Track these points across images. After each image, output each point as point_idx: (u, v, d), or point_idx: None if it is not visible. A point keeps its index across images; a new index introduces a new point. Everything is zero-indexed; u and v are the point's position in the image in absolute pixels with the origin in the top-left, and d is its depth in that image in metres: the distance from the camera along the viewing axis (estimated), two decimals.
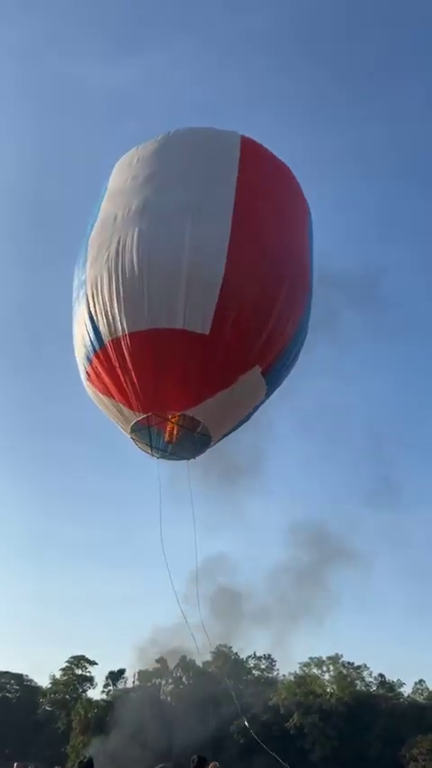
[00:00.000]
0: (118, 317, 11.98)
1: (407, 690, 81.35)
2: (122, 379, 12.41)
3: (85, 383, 13.58)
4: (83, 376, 13.60)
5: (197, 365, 11.99)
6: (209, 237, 11.90)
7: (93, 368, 12.87)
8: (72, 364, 13.77)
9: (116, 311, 11.96)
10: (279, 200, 13.57)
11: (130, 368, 12.17)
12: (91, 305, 12.36)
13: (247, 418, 13.95)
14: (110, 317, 12.09)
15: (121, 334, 12.01)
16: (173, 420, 12.65)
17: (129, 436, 13.38)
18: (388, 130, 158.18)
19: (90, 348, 12.67)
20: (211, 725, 61.02)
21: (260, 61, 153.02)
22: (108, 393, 12.93)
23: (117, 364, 12.28)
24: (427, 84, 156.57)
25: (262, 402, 13.63)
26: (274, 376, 13.13)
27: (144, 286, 11.74)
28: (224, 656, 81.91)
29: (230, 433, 14.02)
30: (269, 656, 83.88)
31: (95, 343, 12.47)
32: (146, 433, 12.88)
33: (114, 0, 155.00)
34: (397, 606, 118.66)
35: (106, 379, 12.70)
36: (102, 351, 12.41)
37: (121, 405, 12.81)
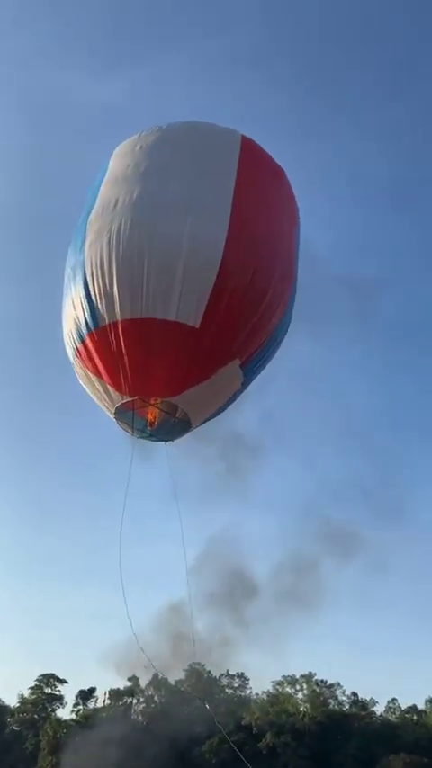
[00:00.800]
0: (117, 302, 12.39)
1: (380, 708, 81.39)
2: (115, 362, 12.86)
3: (74, 359, 13.86)
4: (71, 351, 13.86)
5: (186, 357, 12.56)
6: (207, 233, 12.40)
7: (84, 346, 13.19)
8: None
9: (115, 295, 12.37)
10: (273, 201, 14.15)
11: (124, 352, 12.63)
12: (90, 285, 12.66)
13: (226, 407, 14.61)
14: (109, 300, 12.47)
15: (119, 318, 12.45)
16: (156, 405, 13.23)
17: (111, 416, 13.75)
18: (379, 146, 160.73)
19: (84, 327, 12.98)
20: (183, 744, 60.12)
21: (248, 77, 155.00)
22: (97, 373, 13.30)
23: (112, 347, 12.71)
24: (419, 97, 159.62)
25: (239, 392, 14.29)
26: (251, 368, 13.85)
27: (143, 274, 12.17)
28: (197, 674, 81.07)
29: (210, 419, 14.63)
30: (242, 674, 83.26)
31: (91, 322, 12.81)
32: (129, 415, 13.36)
33: (100, 14, 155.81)
34: (372, 625, 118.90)
35: (98, 359, 13.10)
36: (97, 331, 12.78)
37: (108, 386, 13.21)
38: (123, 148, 14.40)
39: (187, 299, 12.20)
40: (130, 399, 13.13)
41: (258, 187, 13.67)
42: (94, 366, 13.26)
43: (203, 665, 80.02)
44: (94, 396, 14.04)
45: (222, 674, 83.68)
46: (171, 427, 13.67)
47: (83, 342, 13.21)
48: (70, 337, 13.66)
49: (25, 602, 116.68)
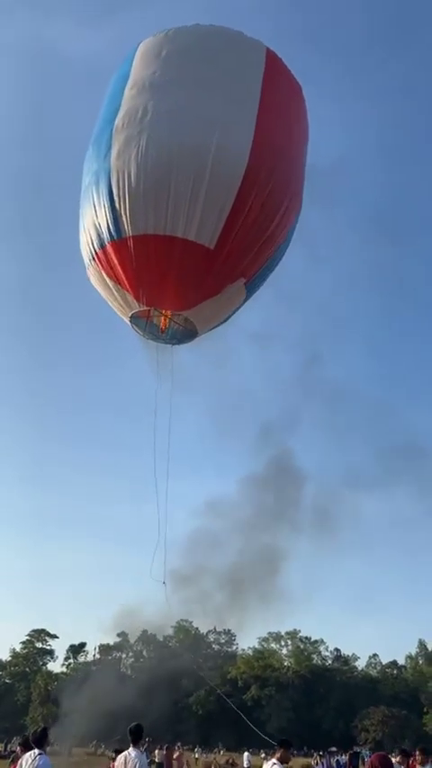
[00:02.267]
0: (142, 216, 13.05)
1: (361, 664, 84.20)
2: (134, 273, 13.75)
3: (91, 262, 14.57)
4: (88, 255, 14.51)
5: (199, 275, 13.57)
6: (231, 149, 12.93)
7: (104, 252, 13.92)
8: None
9: (140, 209, 13.01)
10: (293, 117, 14.76)
11: (144, 265, 13.52)
12: (115, 195, 13.17)
13: (228, 318, 16.07)
14: (134, 213, 13.08)
15: (141, 232, 13.11)
16: (168, 315, 14.55)
17: (126, 320, 14.95)
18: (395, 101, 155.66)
19: (107, 235, 13.63)
20: (171, 697, 62.06)
21: (246, 25, 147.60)
22: (116, 279, 14.16)
23: (132, 258, 13.51)
24: None
25: (240, 306, 15.65)
26: (253, 285, 15.12)
27: (169, 191, 12.77)
28: (185, 630, 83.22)
29: (213, 329, 16.14)
30: (229, 630, 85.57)
31: (114, 232, 13.47)
32: (142, 322, 14.72)
33: None
34: (357, 582, 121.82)
35: (118, 267, 13.87)
36: (120, 241, 13.46)
37: (126, 293, 14.20)
38: (149, 49, 14.42)
39: (206, 219, 12.92)
40: (146, 309, 14.28)
41: (280, 103, 14.17)
42: (115, 273, 13.97)
43: (191, 622, 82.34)
44: (110, 299, 14.93)
45: (210, 631, 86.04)
46: (180, 334, 15.12)
47: (103, 248, 13.84)
48: (89, 241, 14.23)
49: (18, 558, 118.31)
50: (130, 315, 14.69)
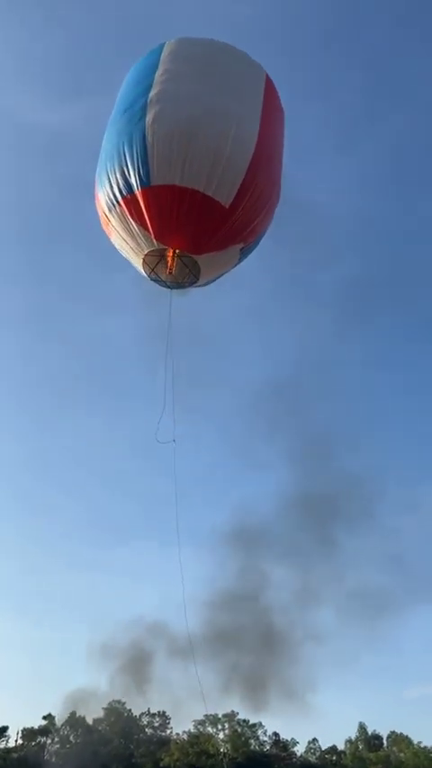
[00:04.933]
0: (172, 169, 15.61)
1: (300, 749, 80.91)
2: (158, 217, 16.07)
3: (115, 206, 16.62)
4: (112, 200, 16.54)
5: (213, 227, 16.26)
6: (245, 136, 16.12)
7: (133, 197, 16.14)
8: None
9: (171, 164, 15.59)
10: (278, 130, 18.32)
11: (167, 211, 15.96)
12: (149, 151, 15.68)
13: (220, 276, 18.88)
14: (164, 167, 15.64)
15: (170, 182, 15.63)
16: (180, 256, 16.81)
17: (140, 258, 17.11)
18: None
19: (136, 183, 15.97)
20: None
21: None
22: (140, 221, 16.32)
23: (159, 204, 15.91)
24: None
25: (232, 268, 18.53)
26: (244, 253, 18.05)
27: (198, 152, 15.56)
28: (116, 712, 78.43)
29: (208, 283, 18.77)
30: (163, 713, 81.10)
31: (145, 180, 15.83)
32: (155, 260, 16.92)
33: (58, 43, 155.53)
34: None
35: (144, 211, 16.13)
36: (150, 189, 15.81)
37: (147, 233, 16.45)
38: (175, 49, 17.56)
39: (225, 183, 15.73)
40: (164, 248, 16.57)
41: (275, 115, 17.91)
42: (139, 216, 16.20)
43: (123, 704, 77.70)
44: (128, 240, 17.01)
45: (143, 713, 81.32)
46: (183, 278, 17.31)
47: (132, 194, 16.10)
48: (115, 188, 16.38)
49: None
50: (146, 251, 16.85)
